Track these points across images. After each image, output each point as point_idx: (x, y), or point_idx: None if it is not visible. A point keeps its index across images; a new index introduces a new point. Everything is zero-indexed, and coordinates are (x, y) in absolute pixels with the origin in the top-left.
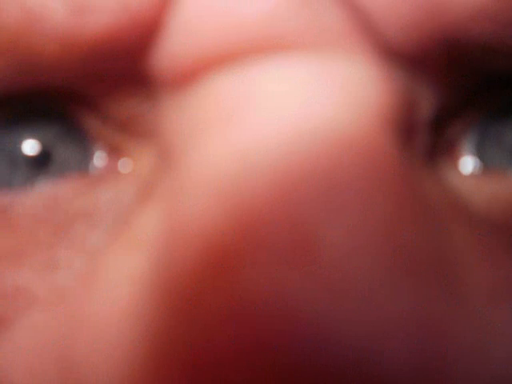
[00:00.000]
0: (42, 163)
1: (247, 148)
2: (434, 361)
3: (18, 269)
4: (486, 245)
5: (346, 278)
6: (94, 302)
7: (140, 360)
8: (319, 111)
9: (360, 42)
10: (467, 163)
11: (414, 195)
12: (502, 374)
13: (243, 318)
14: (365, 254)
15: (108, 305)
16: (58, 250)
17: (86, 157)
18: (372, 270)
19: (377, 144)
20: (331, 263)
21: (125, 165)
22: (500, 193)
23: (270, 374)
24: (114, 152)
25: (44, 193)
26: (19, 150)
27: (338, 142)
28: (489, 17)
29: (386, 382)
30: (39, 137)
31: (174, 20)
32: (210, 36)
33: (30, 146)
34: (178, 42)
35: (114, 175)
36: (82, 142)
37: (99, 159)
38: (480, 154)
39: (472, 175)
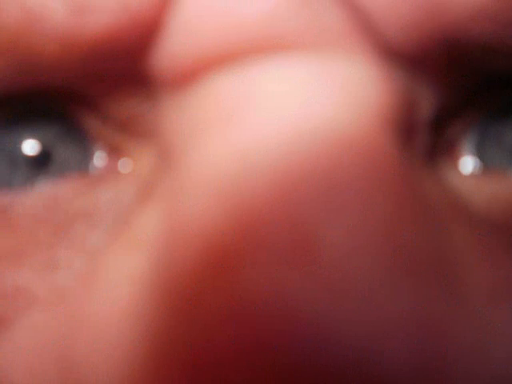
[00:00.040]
0: (42, 163)
1: (247, 148)
2: (434, 361)
3: (17, 269)
4: (486, 245)
5: (346, 277)
6: (94, 302)
7: (140, 360)
8: (319, 111)
9: (360, 42)
10: (467, 163)
11: (414, 195)
12: (502, 373)
13: (243, 318)
14: (365, 254)
15: (108, 305)
16: (58, 250)
17: (86, 157)
18: (372, 270)
19: (377, 144)
20: (331, 263)
21: (125, 165)
22: (500, 193)
23: (270, 374)
24: (114, 152)
25: (44, 193)
26: (19, 150)
27: (338, 142)
28: (489, 17)
29: (386, 381)
30: (39, 137)
31: (174, 20)
32: (210, 36)
33: (30, 146)
34: (177, 42)
35: (114, 175)
36: (82, 142)
37: (99, 159)
38: (480, 153)
39: (472, 175)
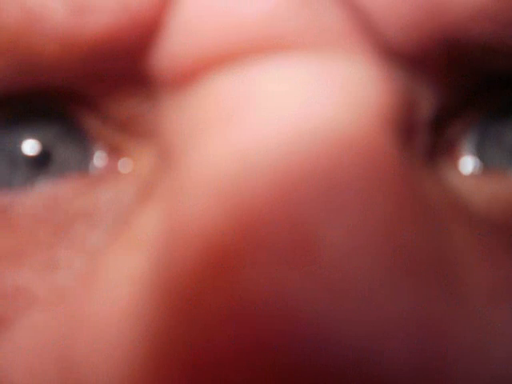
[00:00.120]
0: (42, 163)
1: (247, 148)
2: (434, 361)
3: (18, 269)
4: (486, 245)
5: (346, 277)
6: (94, 302)
7: (140, 360)
8: (319, 111)
9: (360, 42)
10: (467, 163)
11: (414, 195)
12: (502, 373)
13: (243, 318)
14: (365, 254)
15: (108, 305)
16: (58, 250)
17: (86, 157)
18: (372, 270)
19: (377, 144)
20: (331, 263)
21: (125, 165)
22: (500, 193)
23: (270, 374)
24: (114, 152)
25: (44, 193)
26: (19, 150)
27: (338, 142)
28: (489, 17)
29: (386, 381)
30: (39, 137)
31: (174, 20)
32: (210, 36)
33: (30, 146)
34: (178, 42)
35: (114, 175)
36: (82, 142)
37: (99, 159)
38: (480, 154)
39: (472, 175)
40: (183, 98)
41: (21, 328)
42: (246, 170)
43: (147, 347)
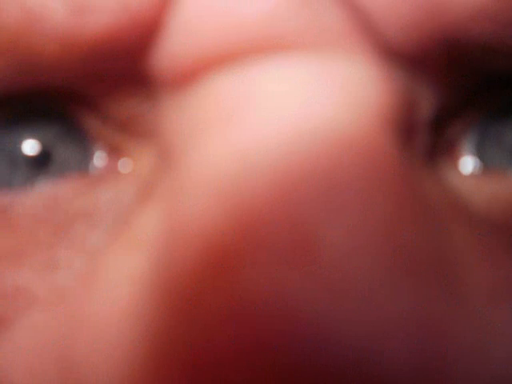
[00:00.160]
0: (42, 163)
1: (247, 148)
2: (434, 361)
3: (18, 269)
4: (486, 245)
5: (346, 278)
6: (94, 302)
7: (140, 360)
8: (319, 111)
9: (360, 42)
10: (467, 163)
11: (414, 195)
12: (502, 373)
13: (243, 318)
14: (365, 254)
15: (108, 305)
16: (58, 250)
17: (86, 157)
18: (372, 270)
19: (377, 144)
20: (331, 263)
21: (125, 165)
22: (500, 193)
23: (270, 374)
24: (114, 152)
25: (44, 193)
26: (19, 150)
27: (338, 142)
28: (489, 17)
29: (386, 381)
30: (39, 137)
31: (174, 20)
32: (210, 36)
33: (30, 146)
34: (178, 42)
35: (114, 175)
36: (82, 142)
37: (99, 159)
38: (480, 154)
39: (472, 175)
40: (183, 98)
41: (21, 328)
42: (246, 170)
43: (147, 347)
